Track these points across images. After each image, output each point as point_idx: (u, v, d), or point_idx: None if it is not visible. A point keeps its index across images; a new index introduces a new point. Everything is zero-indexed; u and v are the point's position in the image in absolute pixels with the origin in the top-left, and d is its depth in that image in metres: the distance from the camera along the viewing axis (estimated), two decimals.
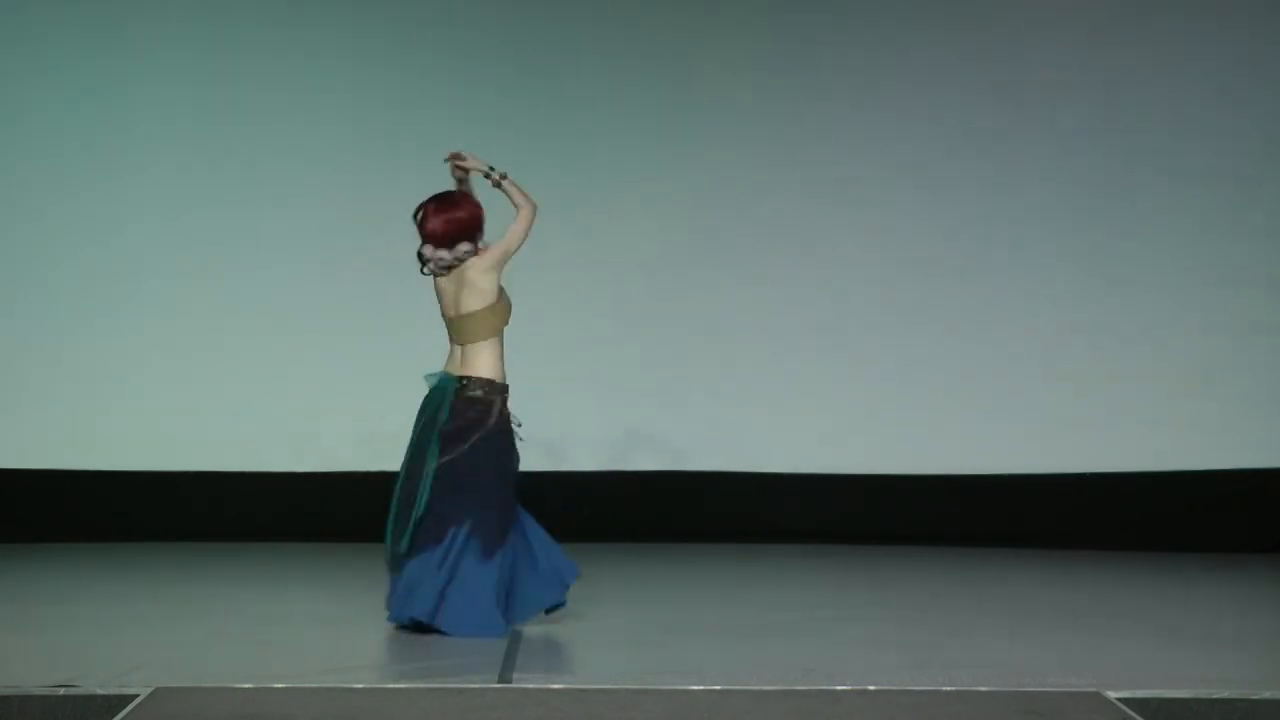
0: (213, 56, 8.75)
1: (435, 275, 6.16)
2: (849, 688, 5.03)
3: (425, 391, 6.17)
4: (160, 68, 8.73)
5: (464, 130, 8.74)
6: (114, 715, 4.66)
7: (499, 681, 5.18)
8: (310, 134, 8.76)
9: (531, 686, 5.06)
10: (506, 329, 6.15)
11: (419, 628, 5.99)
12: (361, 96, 8.81)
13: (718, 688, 5.01)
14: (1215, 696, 4.97)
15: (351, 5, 8.91)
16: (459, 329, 6.14)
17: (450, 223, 6.07)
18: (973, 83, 8.85)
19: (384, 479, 8.66)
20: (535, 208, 6.15)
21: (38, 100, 8.72)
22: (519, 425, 6.19)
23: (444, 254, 6.07)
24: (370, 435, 8.59)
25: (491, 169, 6.18)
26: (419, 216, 6.12)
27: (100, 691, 4.90)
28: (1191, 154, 8.83)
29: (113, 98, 8.72)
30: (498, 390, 6.10)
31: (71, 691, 4.91)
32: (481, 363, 6.10)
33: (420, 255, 6.12)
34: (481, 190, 6.28)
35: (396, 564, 6.08)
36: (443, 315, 6.20)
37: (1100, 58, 8.84)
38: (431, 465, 6.04)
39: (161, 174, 8.73)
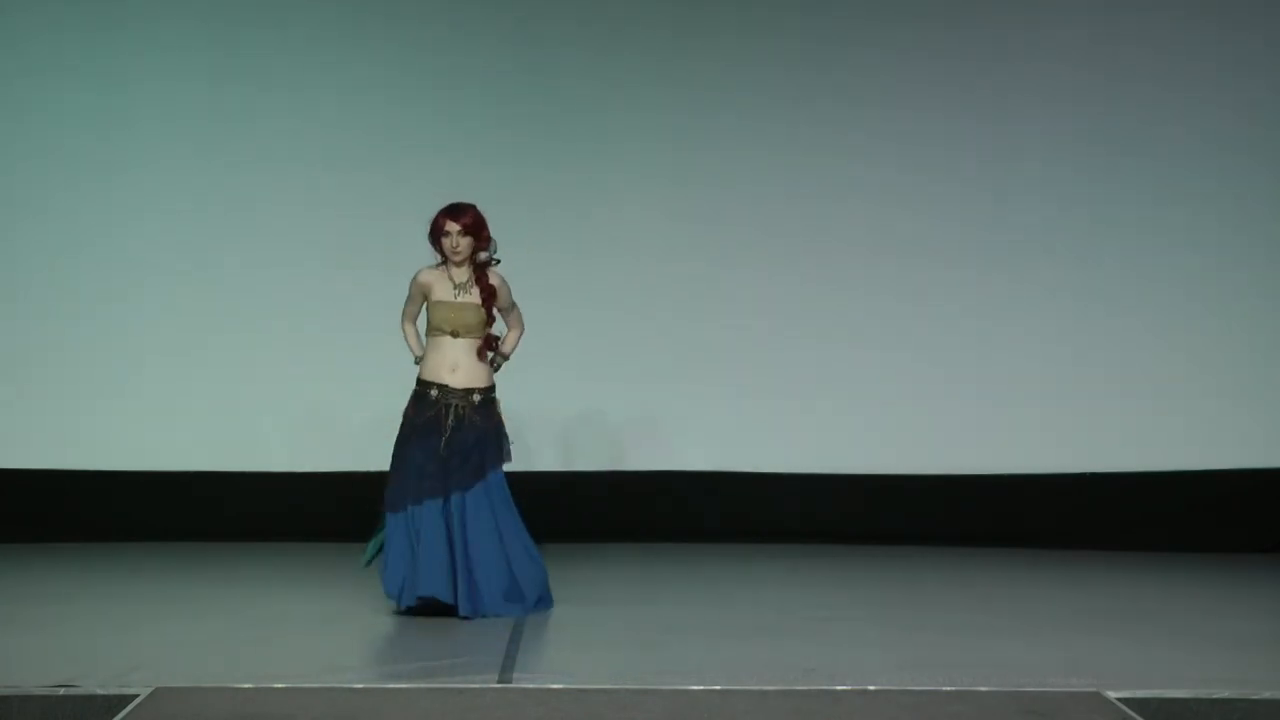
0: (210, 55, 8.75)
1: None
2: (849, 688, 5.03)
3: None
4: (159, 67, 8.73)
5: (466, 129, 8.78)
6: (114, 715, 4.67)
7: (499, 681, 5.18)
8: (312, 132, 8.76)
9: (531, 686, 5.06)
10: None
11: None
12: (363, 95, 8.81)
13: (718, 688, 5.01)
14: (1215, 696, 4.97)
15: (352, 2, 8.90)
16: None
17: None
18: (974, 81, 8.85)
19: (383, 479, 8.68)
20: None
21: (38, 100, 8.72)
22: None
23: None
24: (370, 435, 8.59)
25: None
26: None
27: (100, 691, 4.91)
28: (1192, 153, 8.82)
29: (112, 97, 8.72)
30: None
31: (71, 691, 4.91)
32: None
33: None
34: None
35: None
36: None
37: (1103, 54, 8.84)
38: None
39: (162, 173, 8.72)
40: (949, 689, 5.01)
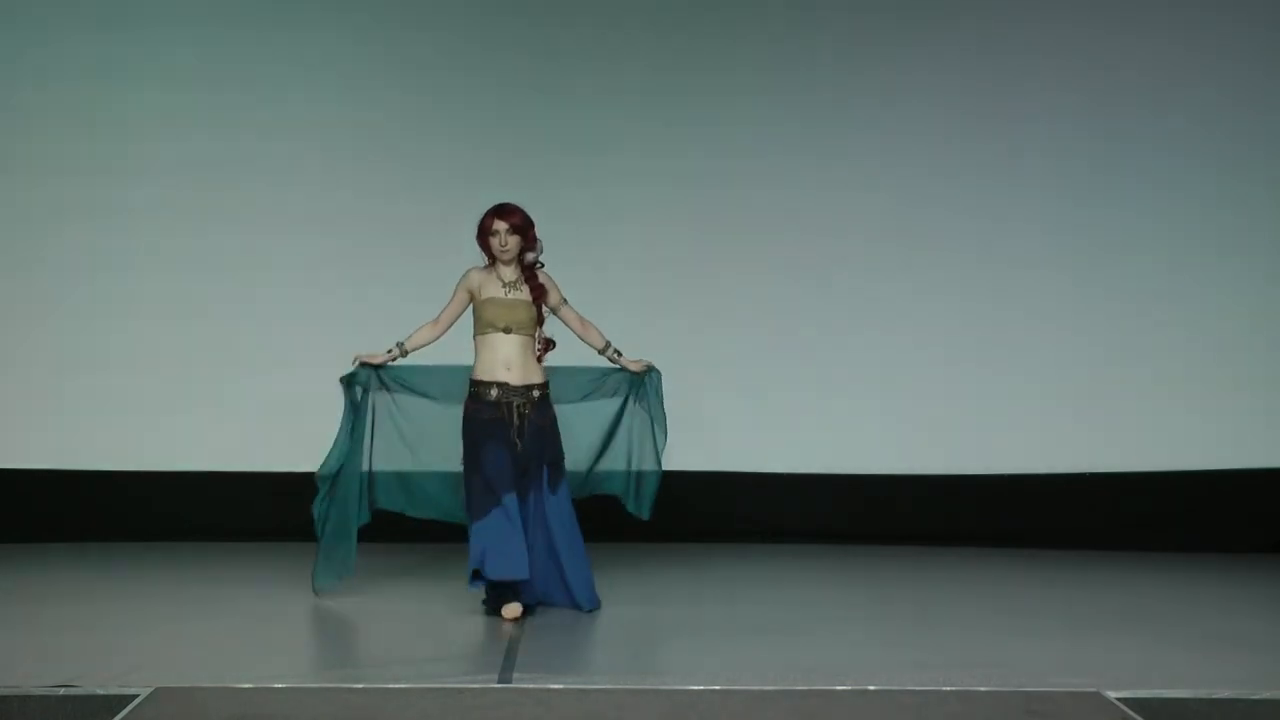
0: (211, 53, 8.76)
1: None
2: (849, 688, 5.04)
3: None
4: (159, 66, 8.73)
5: (469, 134, 8.79)
6: (114, 715, 4.67)
7: (499, 681, 5.18)
8: (314, 129, 8.76)
9: (531, 686, 5.07)
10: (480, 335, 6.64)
11: None
12: (364, 93, 8.81)
13: (718, 688, 5.02)
14: (1215, 696, 4.98)
15: (354, 3, 8.91)
16: None
17: None
18: (970, 81, 8.84)
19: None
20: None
21: (35, 97, 8.72)
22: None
23: None
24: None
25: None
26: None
27: (100, 691, 4.91)
28: (1191, 152, 8.82)
29: (112, 93, 8.72)
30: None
31: (71, 691, 4.92)
32: None
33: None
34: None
35: None
36: None
37: (1097, 53, 8.84)
38: None
39: (156, 171, 8.71)
40: (949, 689, 5.01)
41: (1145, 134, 8.83)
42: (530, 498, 6.52)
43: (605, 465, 7.02)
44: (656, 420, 7.01)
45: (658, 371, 6.98)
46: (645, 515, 7.02)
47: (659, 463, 7.02)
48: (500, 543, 6.33)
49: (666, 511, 8.77)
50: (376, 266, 8.69)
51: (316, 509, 6.79)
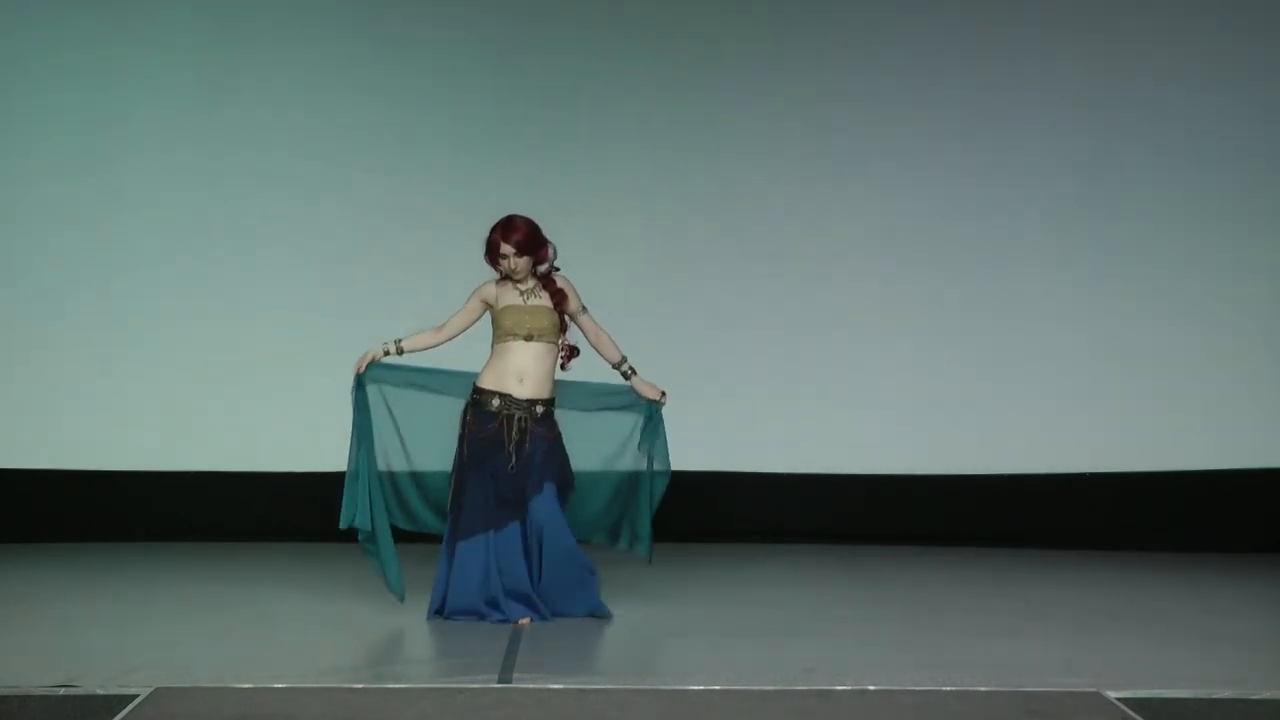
0: (206, 52, 8.77)
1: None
2: (849, 688, 5.04)
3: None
4: (154, 66, 8.74)
5: (466, 132, 8.79)
6: (114, 715, 4.67)
7: (499, 681, 5.18)
8: (314, 130, 8.77)
9: (531, 686, 5.07)
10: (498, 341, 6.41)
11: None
12: (364, 95, 8.82)
13: (718, 688, 5.02)
14: (1215, 696, 4.98)
15: (351, 5, 8.91)
16: None
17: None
18: (971, 80, 8.85)
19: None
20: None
21: (37, 102, 8.73)
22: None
23: None
24: None
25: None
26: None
27: (100, 691, 4.91)
28: (1191, 149, 8.82)
29: (113, 101, 8.73)
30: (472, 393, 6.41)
31: (71, 691, 4.92)
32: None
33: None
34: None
35: None
36: None
37: (1098, 49, 8.84)
38: None
39: (156, 176, 8.73)
40: (949, 689, 5.01)
41: (1147, 132, 8.83)
42: (531, 518, 6.31)
43: (603, 489, 6.76)
44: (658, 457, 6.77)
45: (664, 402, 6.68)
46: (646, 554, 6.79)
47: (663, 482, 6.83)
48: (471, 579, 6.29)
49: (667, 511, 8.81)
50: (376, 268, 8.70)
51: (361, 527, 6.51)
